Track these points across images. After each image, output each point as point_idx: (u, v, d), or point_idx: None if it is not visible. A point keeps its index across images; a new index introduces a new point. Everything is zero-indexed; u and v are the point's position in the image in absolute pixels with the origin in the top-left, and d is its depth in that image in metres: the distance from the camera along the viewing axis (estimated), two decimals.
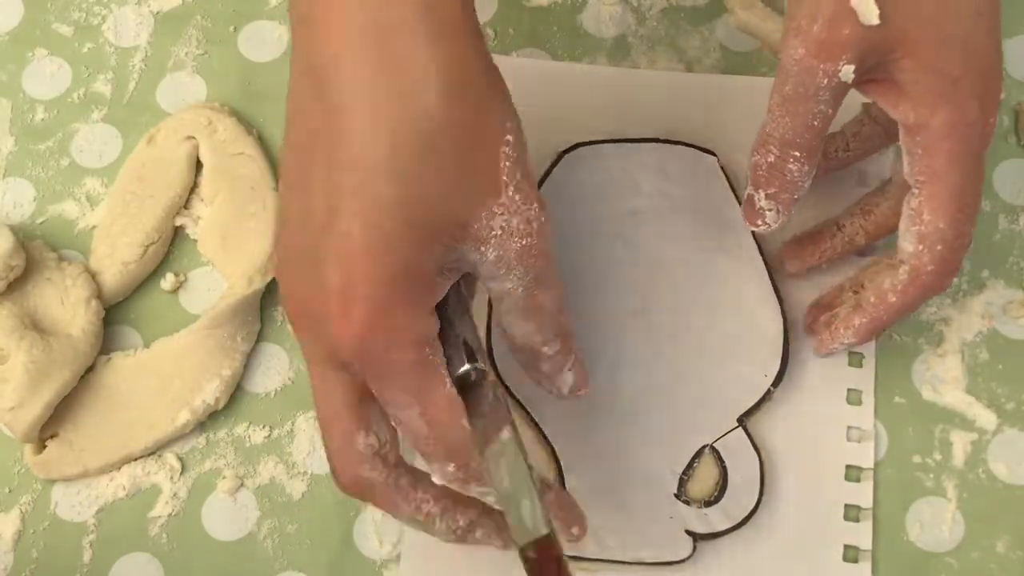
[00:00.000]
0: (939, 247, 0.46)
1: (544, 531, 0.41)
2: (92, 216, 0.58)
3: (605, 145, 0.57)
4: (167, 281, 0.56)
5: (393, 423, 0.44)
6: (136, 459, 0.53)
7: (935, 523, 0.51)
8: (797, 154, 0.46)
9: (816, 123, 0.46)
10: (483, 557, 0.49)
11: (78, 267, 0.55)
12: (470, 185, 0.41)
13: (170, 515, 0.52)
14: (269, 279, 0.55)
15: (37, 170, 0.59)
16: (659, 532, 0.51)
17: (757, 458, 0.52)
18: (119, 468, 0.53)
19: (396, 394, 0.42)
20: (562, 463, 0.52)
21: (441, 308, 0.43)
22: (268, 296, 0.55)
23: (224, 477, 0.53)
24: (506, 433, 0.43)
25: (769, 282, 0.54)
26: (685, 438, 0.52)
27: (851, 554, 0.51)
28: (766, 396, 0.52)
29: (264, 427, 0.54)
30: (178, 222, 0.57)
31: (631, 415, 0.52)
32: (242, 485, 0.53)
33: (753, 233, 0.55)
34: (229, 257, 0.56)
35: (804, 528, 0.51)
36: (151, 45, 0.62)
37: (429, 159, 0.40)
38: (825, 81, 0.44)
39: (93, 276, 0.55)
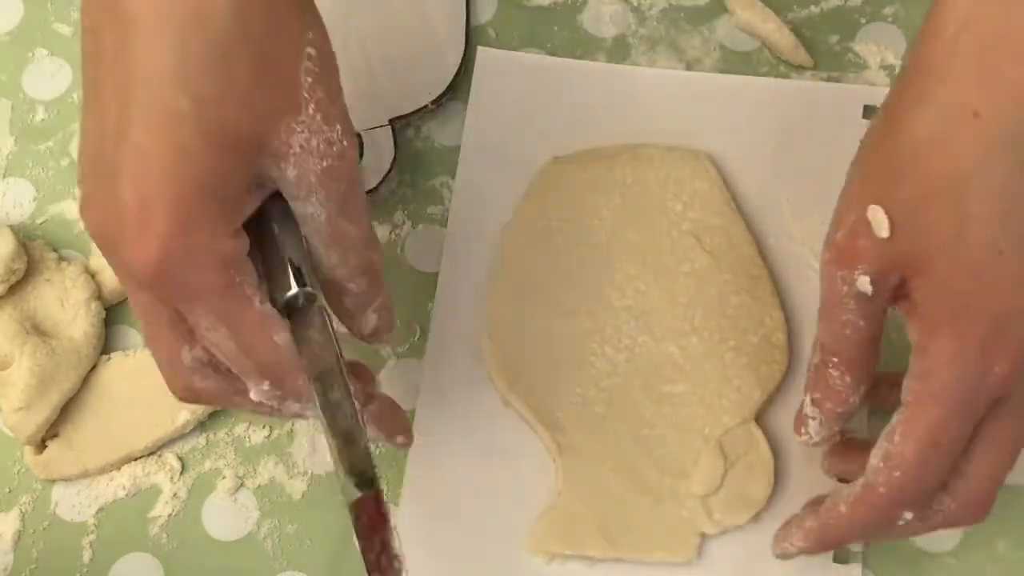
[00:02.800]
0: (897, 473, 0.43)
1: (368, 490, 0.41)
2: None
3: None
4: None
5: (203, 343, 0.42)
6: (136, 459, 0.53)
7: None
8: (835, 360, 0.45)
9: (848, 332, 0.44)
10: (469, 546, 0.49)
11: (78, 267, 0.55)
12: (266, 98, 0.39)
13: (170, 515, 0.52)
14: None
15: (37, 170, 0.59)
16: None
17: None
18: (119, 468, 0.53)
19: (200, 317, 0.40)
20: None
21: (266, 228, 0.42)
22: None
23: (224, 477, 0.53)
24: (331, 361, 0.42)
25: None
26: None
27: (841, 555, 0.50)
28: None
29: (264, 427, 0.54)
30: None
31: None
32: (242, 485, 0.53)
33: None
34: None
35: None
36: None
37: (221, 70, 0.38)
38: (845, 289, 0.43)
39: (93, 276, 0.55)
